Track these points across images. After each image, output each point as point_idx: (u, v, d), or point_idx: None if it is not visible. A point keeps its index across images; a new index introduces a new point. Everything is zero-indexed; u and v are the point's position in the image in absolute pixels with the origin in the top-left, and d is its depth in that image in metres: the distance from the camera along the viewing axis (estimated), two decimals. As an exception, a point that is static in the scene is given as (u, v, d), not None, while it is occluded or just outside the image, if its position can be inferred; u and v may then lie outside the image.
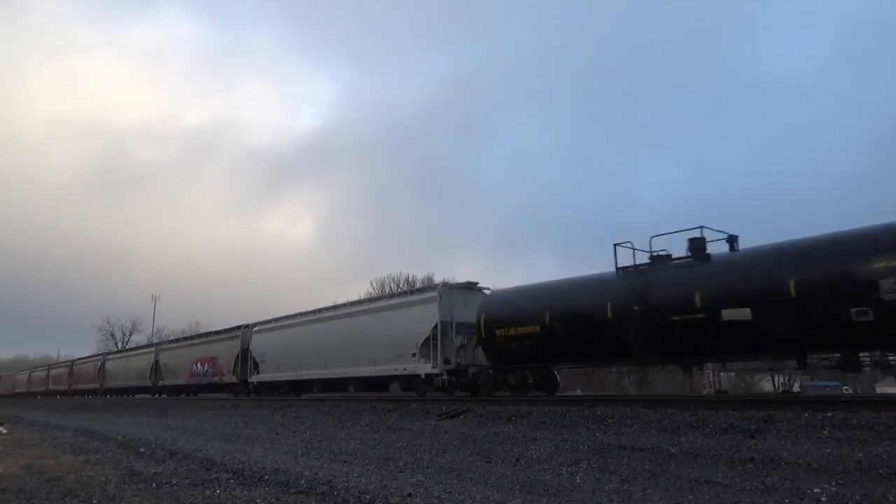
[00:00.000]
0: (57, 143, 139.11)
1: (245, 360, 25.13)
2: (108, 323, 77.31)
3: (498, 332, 14.41)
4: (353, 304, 21.77)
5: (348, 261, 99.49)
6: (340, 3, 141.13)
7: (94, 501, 5.32)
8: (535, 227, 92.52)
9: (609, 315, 12.22)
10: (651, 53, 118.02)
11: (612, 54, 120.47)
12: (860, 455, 5.78)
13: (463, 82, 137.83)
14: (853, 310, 9.44)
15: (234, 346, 26.08)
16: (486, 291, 17.30)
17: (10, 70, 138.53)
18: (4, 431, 14.12)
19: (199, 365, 29.31)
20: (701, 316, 11.09)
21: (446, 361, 15.83)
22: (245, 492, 5.46)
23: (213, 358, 27.91)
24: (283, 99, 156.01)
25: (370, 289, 50.53)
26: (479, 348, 15.80)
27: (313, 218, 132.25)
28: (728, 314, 10.71)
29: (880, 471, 5.22)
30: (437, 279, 43.66)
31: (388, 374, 17.73)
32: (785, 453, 6.08)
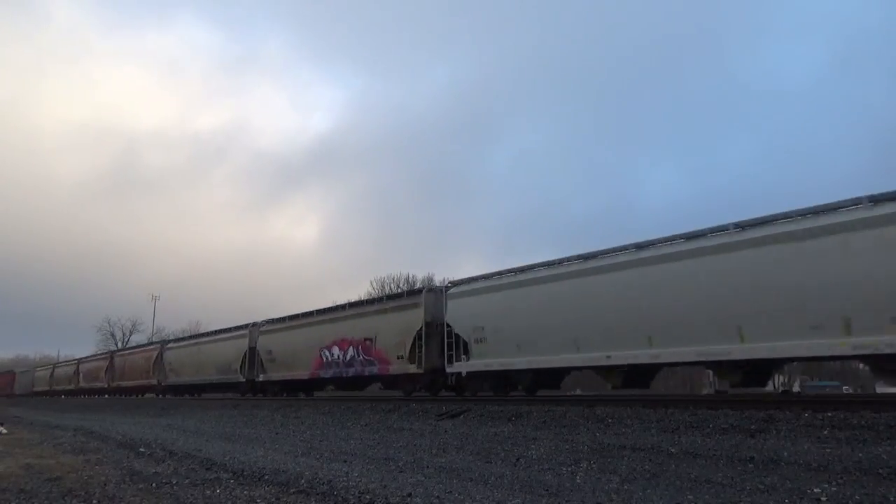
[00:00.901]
0: (69, 148, 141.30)
1: (432, 338, 16.56)
2: (108, 323, 77.31)
3: None
4: (738, 227, 10.72)
5: (353, 262, 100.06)
6: (351, 13, 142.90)
7: (94, 501, 5.32)
8: (538, 229, 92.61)
9: None
10: (654, 59, 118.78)
11: (616, 60, 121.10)
12: (860, 455, 5.78)
13: (469, 87, 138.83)
14: None
15: (412, 320, 17.12)
16: None
17: (27, 76, 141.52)
18: (4, 431, 14.12)
19: (335, 350, 19.99)
20: None
21: None
22: (245, 492, 5.46)
23: (367, 339, 18.73)
24: (292, 104, 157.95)
25: (370, 289, 50.47)
26: None
27: (318, 220, 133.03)
28: None
29: (880, 471, 5.22)
30: (437, 280, 43.62)
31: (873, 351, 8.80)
32: (785, 453, 6.08)
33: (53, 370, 52.67)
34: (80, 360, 48.27)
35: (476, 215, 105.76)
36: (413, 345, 16.93)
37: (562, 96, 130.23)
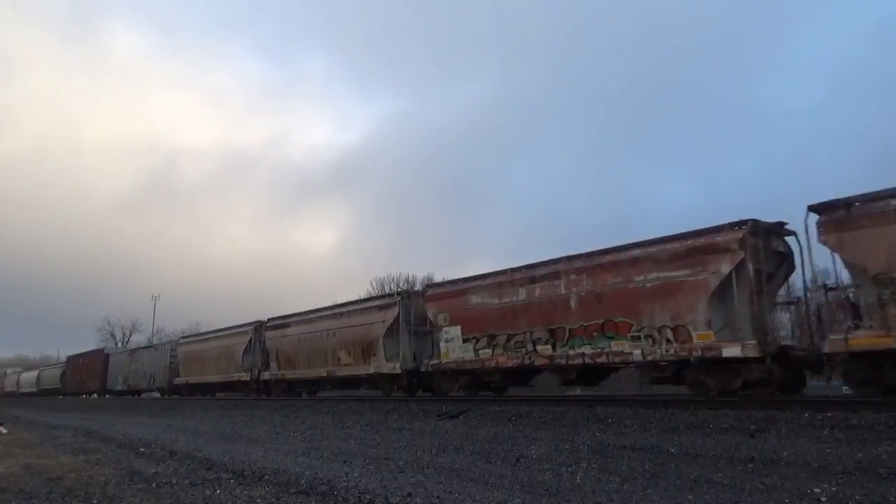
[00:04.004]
0: (110, 165, 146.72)
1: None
2: (109, 323, 77.03)
3: None
4: None
5: (363, 266, 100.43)
6: (386, 38, 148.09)
7: (94, 501, 5.32)
8: (548, 237, 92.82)
9: None
10: (666, 81, 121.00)
11: (628, 78, 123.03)
12: (860, 455, 5.78)
13: (491, 105, 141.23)
14: None
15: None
16: None
17: (84, 100, 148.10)
18: (4, 431, 14.10)
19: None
20: None
21: None
22: (245, 492, 5.46)
23: None
24: (325, 123, 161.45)
25: (370, 288, 50.38)
26: None
27: (332, 227, 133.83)
28: None
29: (880, 471, 5.22)
30: (437, 278, 43.49)
31: None
32: (785, 453, 6.08)
33: (263, 332, 23.40)
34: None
35: (485, 224, 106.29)
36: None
37: (577, 110, 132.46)
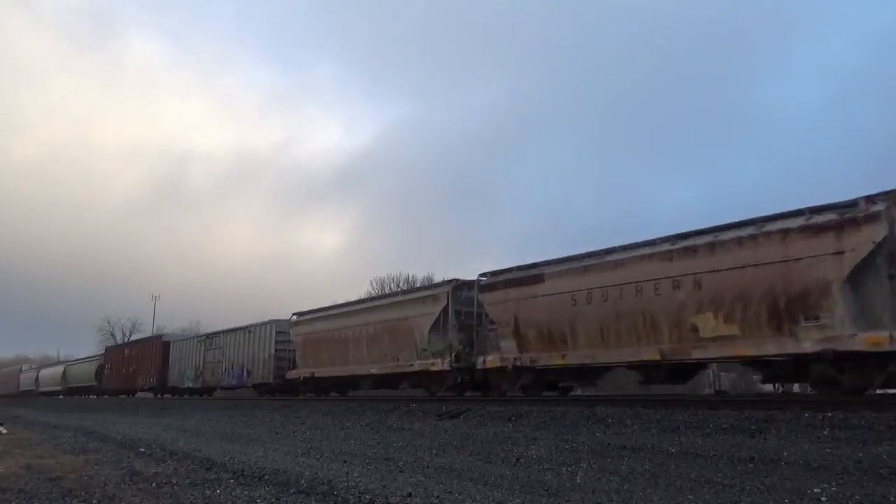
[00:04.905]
0: (122, 169, 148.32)
1: None
2: (109, 323, 76.80)
3: None
4: None
5: (366, 267, 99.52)
6: (394, 45, 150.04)
7: (94, 501, 5.32)
8: (550, 239, 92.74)
9: None
10: (668, 84, 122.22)
11: (632, 82, 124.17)
12: (860, 455, 5.78)
13: (497, 109, 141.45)
14: None
15: None
16: None
17: (98, 107, 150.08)
18: (4, 431, 14.10)
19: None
20: None
21: None
22: (245, 492, 5.46)
23: None
24: (333, 126, 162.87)
25: (370, 288, 50.24)
26: None
27: (336, 229, 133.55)
28: None
29: (880, 471, 5.22)
30: (437, 278, 43.38)
31: None
32: (785, 453, 6.08)
33: (476, 294, 15.34)
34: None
35: (488, 225, 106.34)
36: None
37: (580, 113, 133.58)
